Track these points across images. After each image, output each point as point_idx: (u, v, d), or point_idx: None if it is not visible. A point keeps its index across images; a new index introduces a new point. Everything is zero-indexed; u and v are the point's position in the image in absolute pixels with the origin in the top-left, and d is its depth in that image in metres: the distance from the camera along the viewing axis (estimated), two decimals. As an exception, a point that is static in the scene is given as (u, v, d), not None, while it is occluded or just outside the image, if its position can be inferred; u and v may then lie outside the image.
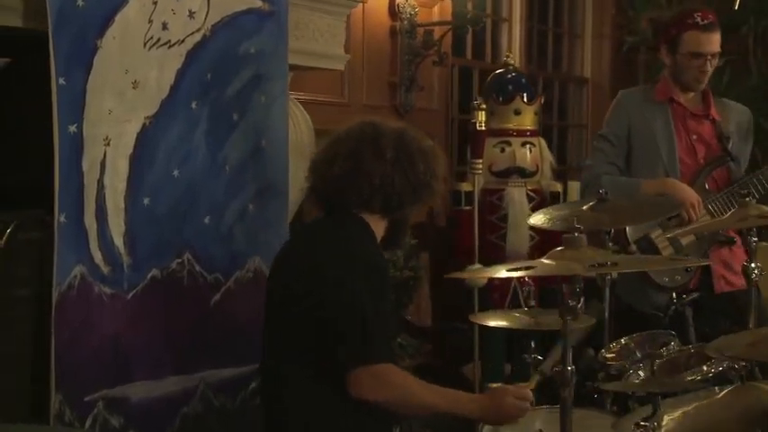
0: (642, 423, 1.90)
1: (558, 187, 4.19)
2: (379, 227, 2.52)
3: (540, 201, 4.13)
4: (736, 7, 2.77)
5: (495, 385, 2.45)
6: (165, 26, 2.91)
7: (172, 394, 2.99)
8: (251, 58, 3.20)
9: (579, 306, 1.84)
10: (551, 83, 6.85)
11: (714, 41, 3.35)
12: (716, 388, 2.10)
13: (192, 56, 3.00)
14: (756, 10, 6.53)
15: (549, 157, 4.21)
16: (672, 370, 2.38)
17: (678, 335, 2.70)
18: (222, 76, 3.10)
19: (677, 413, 1.95)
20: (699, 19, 3.32)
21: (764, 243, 4.43)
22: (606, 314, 2.81)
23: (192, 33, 3.01)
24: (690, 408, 1.98)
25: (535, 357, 2.67)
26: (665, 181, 3.31)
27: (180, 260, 3.00)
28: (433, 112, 5.36)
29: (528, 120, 4.21)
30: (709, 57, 3.36)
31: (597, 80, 7.26)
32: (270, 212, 3.31)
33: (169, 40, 2.93)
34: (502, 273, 2.21)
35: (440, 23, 5.07)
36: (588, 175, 3.46)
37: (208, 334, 3.09)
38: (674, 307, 2.84)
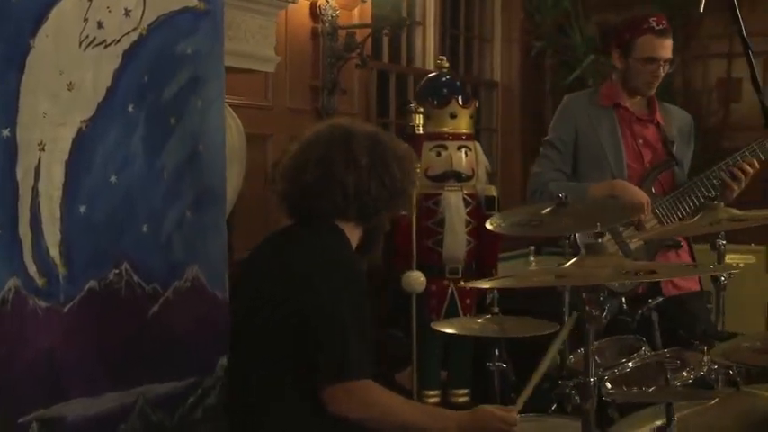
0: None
1: (494, 191, 4.15)
2: (353, 234, 2.44)
3: (475, 205, 4.09)
4: (702, 10, 2.77)
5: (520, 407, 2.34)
6: (100, 25, 2.77)
7: (109, 411, 2.85)
8: (187, 59, 3.08)
9: (603, 315, 1.78)
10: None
11: (667, 47, 3.37)
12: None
13: (128, 56, 2.86)
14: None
15: (484, 160, 4.17)
16: (648, 375, 2.35)
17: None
18: (159, 77, 2.97)
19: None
20: (654, 24, 3.33)
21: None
22: (566, 318, 2.78)
23: (128, 33, 2.87)
24: (685, 413, 1.95)
25: (499, 365, 2.63)
26: (612, 183, 3.30)
27: (117, 271, 2.86)
28: (354, 116, 5.29)
29: (464, 123, 4.16)
30: (662, 62, 3.37)
31: (507, 84, 7.32)
32: (208, 219, 3.20)
33: (105, 40, 2.79)
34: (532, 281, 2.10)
35: (362, 26, 5.00)
36: (535, 181, 3.43)
37: (146, 347, 2.96)
38: (641, 311, 2.83)
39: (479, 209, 4.08)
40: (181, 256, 3.10)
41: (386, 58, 5.88)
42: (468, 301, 4.02)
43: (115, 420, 2.87)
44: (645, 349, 2.57)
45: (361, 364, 2.23)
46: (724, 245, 2.59)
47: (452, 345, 4.04)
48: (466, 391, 4.06)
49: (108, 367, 2.82)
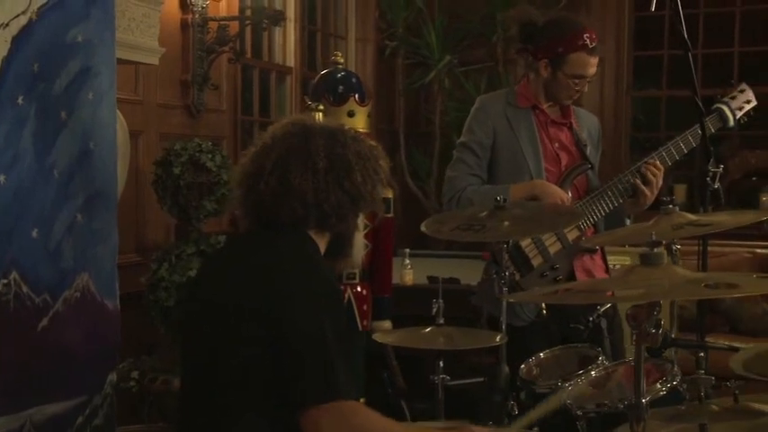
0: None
1: (390, 194, 4.00)
2: (321, 240, 2.24)
3: (373, 208, 3.93)
4: (653, 9, 2.71)
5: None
6: (-12, 6, 2.48)
7: (-6, 439, 2.56)
8: (79, 48, 2.82)
9: (660, 332, 1.65)
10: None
11: (595, 63, 3.30)
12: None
13: (17, 42, 2.58)
14: (503, 20, 6.67)
15: (381, 161, 4.00)
16: (606, 385, 2.28)
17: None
18: (50, 67, 2.70)
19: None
20: (588, 41, 3.24)
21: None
22: (503, 327, 2.68)
23: (18, 16, 2.59)
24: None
25: (443, 378, 2.49)
26: (533, 183, 3.21)
27: (6, 281, 2.57)
28: (222, 113, 5.06)
29: (361, 122, 3.99)
30: (588, 78, 3.31)
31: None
32: (99, 223, 2.94)
33: (-7, 23, 2.51)
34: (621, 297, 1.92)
35: (233, 18, 4.77)
36: (451, 187, 3.29)
37: (36, 365, 2.68)
38: (591, 318, 2.76)
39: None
40: (70, 263, 2.83)
41: (249, 54, 5.65)
42: (365, 307, 3.86)
43: (0, 448, 2.58)
44: (602, 359, 2.50)
45: (346, 383, 2.04)
46: (678, 248, 2.55)
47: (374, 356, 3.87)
48: (361, 401, 3.91)
49: (-3, 390, 2.53)
